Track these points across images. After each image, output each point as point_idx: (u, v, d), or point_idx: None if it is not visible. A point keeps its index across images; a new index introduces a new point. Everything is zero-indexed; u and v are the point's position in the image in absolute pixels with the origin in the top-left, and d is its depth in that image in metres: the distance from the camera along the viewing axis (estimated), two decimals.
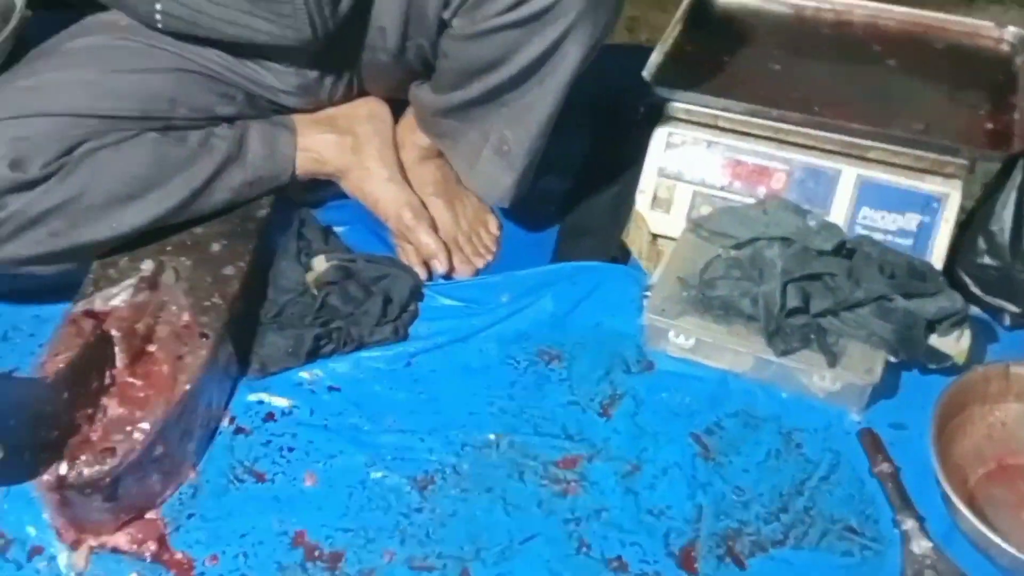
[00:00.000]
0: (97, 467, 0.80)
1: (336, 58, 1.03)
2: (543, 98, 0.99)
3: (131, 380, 0.86)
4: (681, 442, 0.92)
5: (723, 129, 1.08)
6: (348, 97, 1.10)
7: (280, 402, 0.95)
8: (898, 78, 1.12)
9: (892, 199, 1.04)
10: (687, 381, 0.97)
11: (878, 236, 1.03)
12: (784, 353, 0.94)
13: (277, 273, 1.03)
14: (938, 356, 0.93)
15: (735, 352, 0.96)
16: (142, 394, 0.85)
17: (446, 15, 0.96)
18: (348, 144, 1.08)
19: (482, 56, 0.97)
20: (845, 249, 0.99)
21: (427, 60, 1.04)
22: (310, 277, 1.02)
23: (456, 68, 1.00)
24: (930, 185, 1.02)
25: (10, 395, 0.71)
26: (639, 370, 0.99)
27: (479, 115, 1.03)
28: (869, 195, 1.04)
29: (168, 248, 0.99)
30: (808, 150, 1.06)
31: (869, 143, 1.03)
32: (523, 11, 0.91)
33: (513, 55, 0.95)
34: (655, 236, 1.11)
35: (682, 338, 0.98)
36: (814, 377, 0.94)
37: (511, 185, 1.06)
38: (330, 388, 0.97)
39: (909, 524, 0.84)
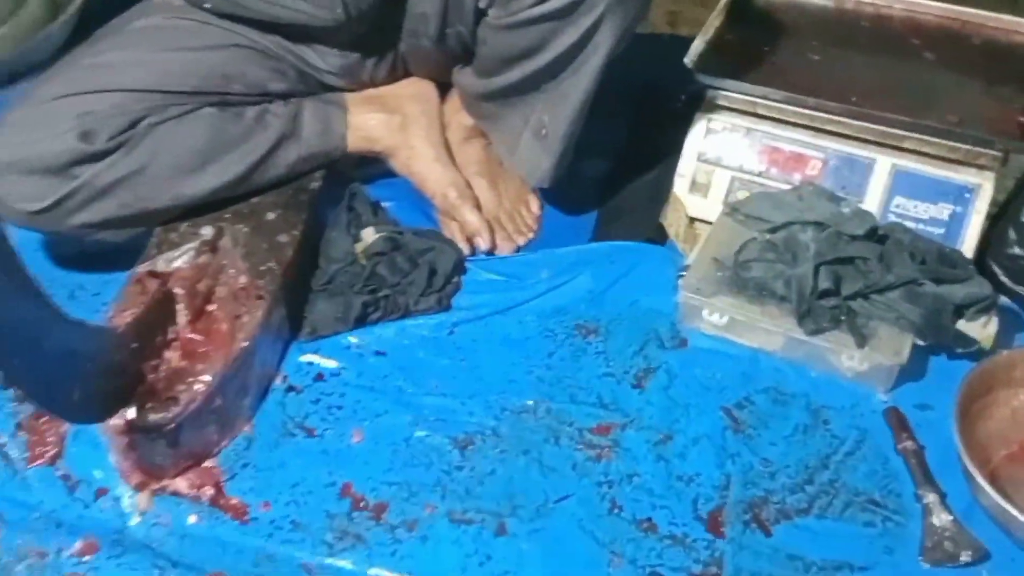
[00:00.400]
0: (161, 414, 0.85)
1: (377, 41, 1.08)
2: (577, 85, 1.03)
3: (193, 336, 0.91)
4: (712, 414, 0.95)
5: (761, 116, 1.12)
6: (391, 79, 1.14)
7: (329, 364, 1.00)
8: (935, 71, 1.14)
9: (925, 188, 1.06)
10: (719, 358, 1.01)
11: (910, 224, 1.06)
12: (814, 333, 0.97)
13: (328, 243, 1.08)
14: (965, 340, 0.96)
15: (766, 331, 1.00)
16: (203, 349, 0.91)
17: (482, 4, 1.00)
18: (396, 123, 1.13)
19: (518, 45, 1.01)
20: (877, 235, 1.02)
21: (467, 46, 1.08)
22: (359, 248, 1.07)
23: (494, 55, 1.05)
24: (963, 176, 1.05)
25: (87, 341, 0.77)
26: (673, 346, 1.02)
27: (518, 100, 1.07)
28: (903, 184, 1.07)
29: (226, 216, 1.04)
30: (844, 139, 1.09)
31: (904, 133, 1.06)
32: (554, 3, 0.95)
33: (548, 44, 1.00)
34: (692, 219, 1.14)
35: (716, 316, 1.01)
36: (843, 357, 0.97)
37: (550, 167, 1.11)
38: (376, 352, 1.01)
39: (930, 498, 0.87)
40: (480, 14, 1.02)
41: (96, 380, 0.77)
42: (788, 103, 1.09)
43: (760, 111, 1.11)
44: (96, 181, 0.94)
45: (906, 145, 1.07)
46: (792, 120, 1.11)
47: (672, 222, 1.15)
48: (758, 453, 0.92)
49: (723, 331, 1.02)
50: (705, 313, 1.02)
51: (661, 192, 1.17)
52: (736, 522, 0.87)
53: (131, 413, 0.83)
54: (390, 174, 1.19)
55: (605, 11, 0.96)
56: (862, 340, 0.95)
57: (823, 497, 0.89)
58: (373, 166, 1.18)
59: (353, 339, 1.02)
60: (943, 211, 1.06)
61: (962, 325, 0.97)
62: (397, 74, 1.15)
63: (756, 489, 0.89)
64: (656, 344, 1.02)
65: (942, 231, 1.05)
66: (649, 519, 0.87)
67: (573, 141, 1.09)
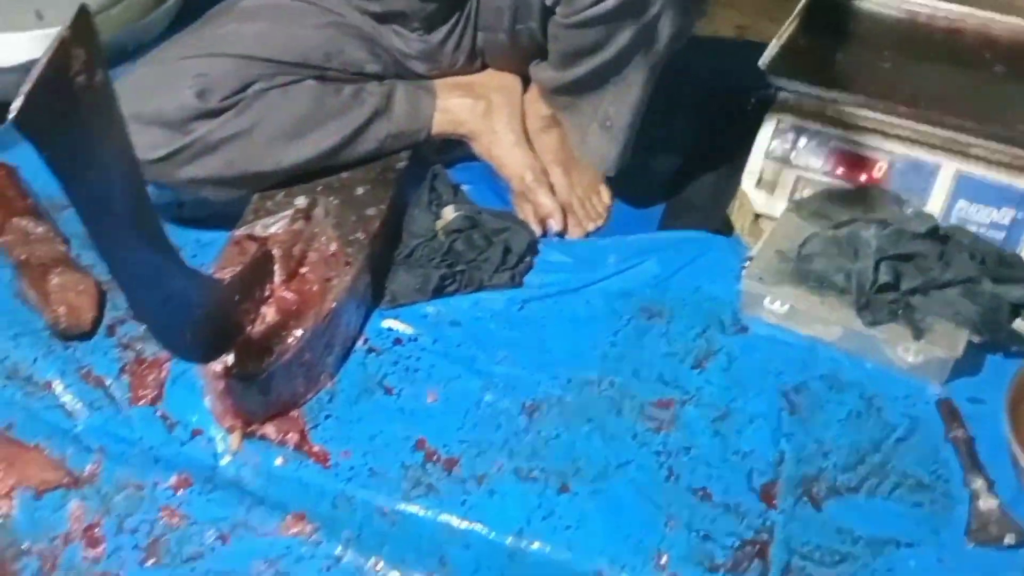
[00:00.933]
0: (256, 363, 0.92)
1: (455, 29, 1.15)
2: (638, 79, 1.09)
3: (286, 295, 0.99)
4: (769, 396, 1.00)
5: (830, 119, 1.16)
6: (471, 68, 1.21)
7: (408, 330, 1.06)
8: (1005, 83, 1.17)
9: (988, 194, 1.10)
10: (778, 345, 1.05)
11: (971, 228, 1.09)
12: (872, 324, 1.01)
13: (410, 219, 1.14)
14: (1019, 339, 1.00)
15: (825, 321, 1.04)
16: (295, 307, 0.98)
17: (549, 2, 1.07)
18: (481, 109, 1.19)
19: (583, 42, 1.07)
20: (938, 234, 1.05)
21: (539, 43, 1.15)
22: (439, 225, 1.13)
23: (563, 50, 1.11)
24: None
25: (199, 289, 0.84)
26: (734, 331, 1.07)
27: (588, 93, 1.13)
28: (966, 189, 1.10)
29: (319, 188, 1.11)
30: (910, 143, 1.13)
31: (970, 139, 1.10)
32: (609, 3, 1.01)
33: (610, 41, 1.05)
34: (758, 215, 1.19)
35: (777, 304, 1.05)
36: (899, 349, 1.01)
37: (616, 156, 1.17)
38: (452, 322, 1.07)
39: (978, 484, 0.90)
40: (548, 12, 1.08)
41: (203, 325, 0.84)
42: (857, 107, 1.13)
43: (829, 113, 1.16)
44: (208, 137, 1.03)
45: (971, 151, 1.11)
46: (860, 124, 1.15)
47: (738, 217, 1.20)
48: (812, 434, 0.96)
49: (783, 320, 1.06)
50: (767, 301, 1.06)
51: (728, 188, 1.22)
52: (788, 495, 0.91)
53: (229, 360, 0.90)
54: (469, 159, 1.25)
55: (662, 9, 1.02)
56: (919, 333, 0.99)
57: (873, 478, 0.92)
58: (454, 151, 1.25)
59: (430, 309, 1.08)
60: (1005, 216, 1.09)
61: (1018, 324, 1.00)
62: (475, 65, 1.22)
63: (809, 467, 0.93)
64: (718, 329, 1.07)
65: (1002, 235, 1.08)
66: (704, 488, 0.92)
67: (635, 131, 1.15)
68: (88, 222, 0.67)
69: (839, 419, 0.98)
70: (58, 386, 0.99)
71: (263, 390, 0.93)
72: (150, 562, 0.92)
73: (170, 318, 0.79)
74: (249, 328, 0.94)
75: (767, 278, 1.06)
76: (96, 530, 0.93)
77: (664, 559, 0.87)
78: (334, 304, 0.98)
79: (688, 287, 1.11)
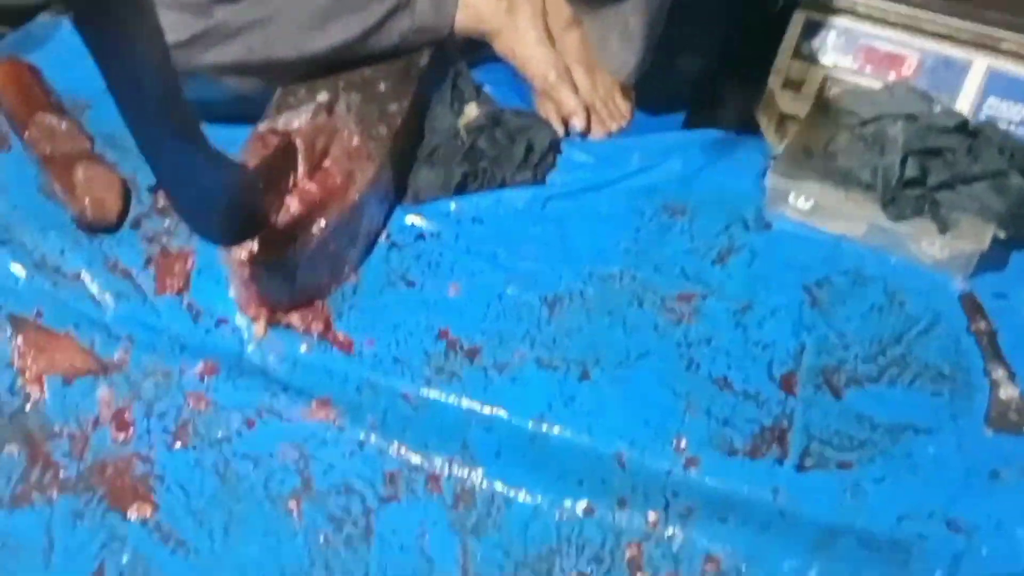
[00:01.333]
0: (280, 250, 0.93)
1: None
2: None
3: (310, 187, 0.99)
4: (791, 290, 0.99)
5: (859, 15, 1.13)
6: None
7: (430, 226, 1.06)
8: None
9: (1019, 91, 1.08)
10: (801, 241, 1.04)
11: (1002, 126, 1.07)
12: (898, 219, 1.00)
13: (432, 117, 1.14)
14: None
15: (850, 216, 1.03)
16: (318, 199, 0.98)
17: None
18: (504, 6, 1.18)
19: None
20: (967, 129, 1.04)
21: None
22: (462, 122, 1.13)
23: None
24: None
25: (226, 172, 0.84)
26: (757, 228, 1.06)
27: (609, 1, 1.11)
28: (997, 85, 1.08)
29: (341, 84, 1.11)
30: (941, 39, 1.11)
31: (1002, 34, 1.07)
32: None
33: None
34: (784, 115, 1.17)
35: (802, 199, 1.05)
36: (923, 243, 1.00)
37: (635, 65, 1.16)
38: (473, 219, 1.07)
39: (999, 373, 0.90)
40: None
41: (230, 208, 0.85)
42: (888, 1, 1.10)
43: (859, 10, 1.13)
44: (230, 21, 1.02)
45: (1003, 47, 1.08)
46: (890, 19, 1.12)
47: (764, 117, 1.18)
48: (833, 327, 0.96)
49: (807, 216, 1.06)
50: (791, 197, 1.05)
51: (755, 88, 1.20)
52: (808, 384, 0.91)
53: (254, 247, 0.91)
54: (491, 60, 1.24)
55: None
56: (944, 226, 0.98)
57: (893, 368, 0.93)
58: (477, 51, 1.24)
59: (452, 205, 1.08)
60: None
61: None
62: None
63: (829, 358, 0.94)
64: (741, 226, 1.06)
65: None
66: (725, 377, 0.93)
67: (656, 40, 1.13)
68: (122, 103, 0.68)
69: (861, 312, 0.98)
70: (86, 277, 1.00)
71: (287, 279, 0.94)
72: (178, 445, 0.94)
73: (198, 199, 0.80)
74: (274, 218, 0.94)
75: (792, 173, 1.05)
76: (125, 414, 0.95)
77: (683, 443, 0.88)
78: (357, 196, 0.99)
79: (712, 185, 1.10)
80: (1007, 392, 0.89)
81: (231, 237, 0.89)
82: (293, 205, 0.97)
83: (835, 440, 0.88)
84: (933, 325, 0.97)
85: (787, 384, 0.92)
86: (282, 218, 0.96)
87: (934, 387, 0.91)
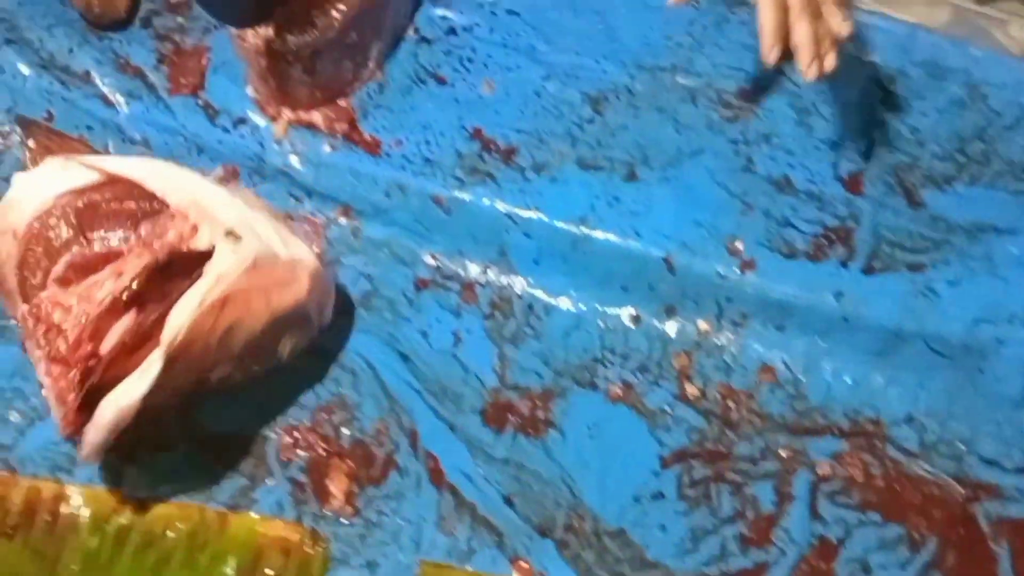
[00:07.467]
0: (298, 36, 0.85)
1: None
2: None
3: None
4: (861, 85, 0.90)
5: None
6: None
7: (461, 19, 0.97)
8: None
9: None
10: (873, 32, 0.94)
11: None
12: (983, 1, 0.89)
13: None
14: None
15: (929, 2, 0.92)
16: None
17: None
18: None
19: None
20: None
21: None
22: None
23: None
24: None
25: None
26: None
27: None
28: None
29: None
30: None
31: None
32: None
33: None
34: None
35: None
36: (1011, 29, 0.90)
37: None
38: (509, 11, 0.98)
39: None
40: None
41: None
42: None
43: None
44: None
45: None
46: None
47: None
48: (907, 123, 0.88)
49: (881, 4, 0.95)
50: None
51: None
52: (877, 183, 0.84)
53: (270, 32, 0.83)
54: None
55: None
56: None
57: (974, 166, 0.84)
58: None
59: None
60: None
61: None
62: None
63: (902, 155, 0.85)
64: None
65: None
66: (785, 176, 0.85)
67: None
68: None
69: (938, 107, 0.89)
70: (96, 76, 0.93)
71: (307, 69, 0.87)
72: None
73: None
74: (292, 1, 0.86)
75: None
76: None
77: (739, 244, 0.81)
78: None
79: None
80: None
81: (245, 15, 0.81)
82: None
83: (907, 241, 0.80)
84: (1019, 120, 0.87)
85: (854, 184, 0.84)
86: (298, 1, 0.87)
87: (1018, 185, 0.83)
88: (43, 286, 0.71)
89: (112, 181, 0.72)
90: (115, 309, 0.70)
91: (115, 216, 0.72)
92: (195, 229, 0.71)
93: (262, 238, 0.72)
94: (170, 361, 0.66)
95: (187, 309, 0.67)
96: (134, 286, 0.69)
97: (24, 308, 0.72)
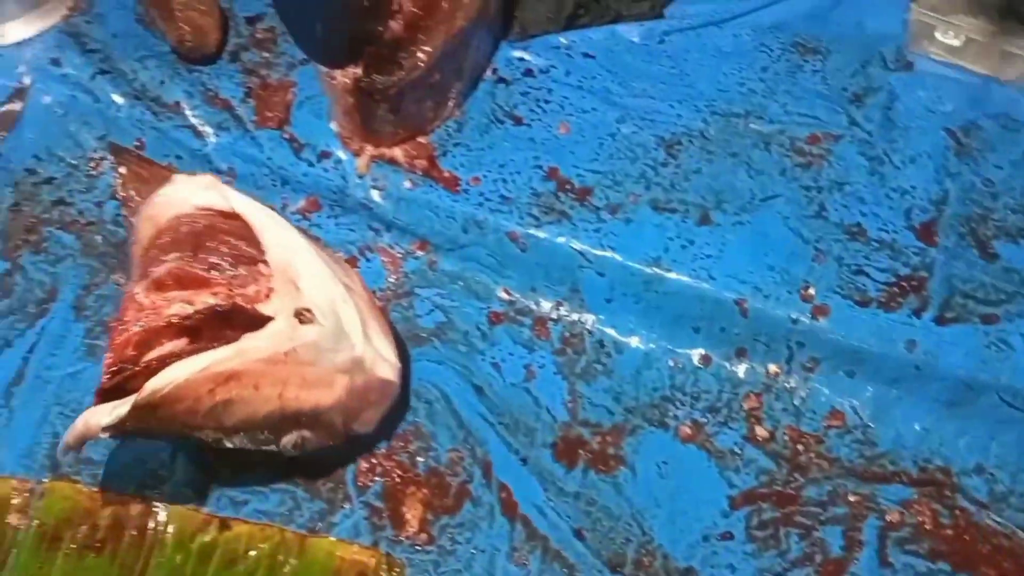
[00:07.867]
0: (386, 76, 0.88)
1: None
2: None
3: (415, 9, 0.92)
4: (934, 135, 0.91)
5: None
6: None
7: (538, 61, 1.00)
8: None
9: None
10: (947, 82, 0.95)
11: None
12: None
13: None
14: None
15: (1005, 55, 0.93)
16: (424, 23, 0.92)
17: None
18: None
19: None
20: None
21: None
22: None
23: None
24: None
25: None
26: (898, 68, 0.97)
27: None
28: None
29: None
30: None
31: None
32: None
33: None
34: None
35: (950, 35, 0.95)
36: None
37: None
38: (585, 55, 1.01)
39: None
40: None
41: (334, 24, 0.80)
42: None
43: None
44: None
45: None
46: None
47: None
48: (981, 174, 0.88)
49: (955, 55, 0.96)
50: (938, 34, 0.96)
51: None
52: (951, 234, 0.84)
53: (359, 71, 0.86)
54: None
55: None
56: None
57: None
58: None
59: (562, 40, 1.01)
60: None
61: None
62: None
63: (976, 207, 0.86)
64: (879, 65, 0.97)
65: None
66: (858, 224, 0.86)
67: None
68: None
69: (1012, 159, 0.89)
70: (185, 107, 0.97)
71: (392, 108, 0.89)
72: None
73: (303, 8, 0.75)
74: (378, 41, 0.89)
75: (941, 6, 0.95)
76: None
77: (811, 290, 0.82)
78: (463, 23, 0.92)
79: (848, 20, 1.01)
80: None
81: (335, 56, 0.84)
82: (397, 29, 0.91)
83: (979, 293, 0.81)
84: None
85: (927, 233, 0.85)
86: (386, 42, 0.90)
87: None
88: (144, 275, 0.75)
89: (236, 216, 0.76)
90: (170, 330, 0.73)
91: (225, 247, 0.75)
92: (269, 293, 0.73)
93: (336, 328, 0.73)
94: (148, 407, 0.67)
95: (187, 368, 0.68)
96: (190, 321, 0.72)
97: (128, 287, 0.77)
